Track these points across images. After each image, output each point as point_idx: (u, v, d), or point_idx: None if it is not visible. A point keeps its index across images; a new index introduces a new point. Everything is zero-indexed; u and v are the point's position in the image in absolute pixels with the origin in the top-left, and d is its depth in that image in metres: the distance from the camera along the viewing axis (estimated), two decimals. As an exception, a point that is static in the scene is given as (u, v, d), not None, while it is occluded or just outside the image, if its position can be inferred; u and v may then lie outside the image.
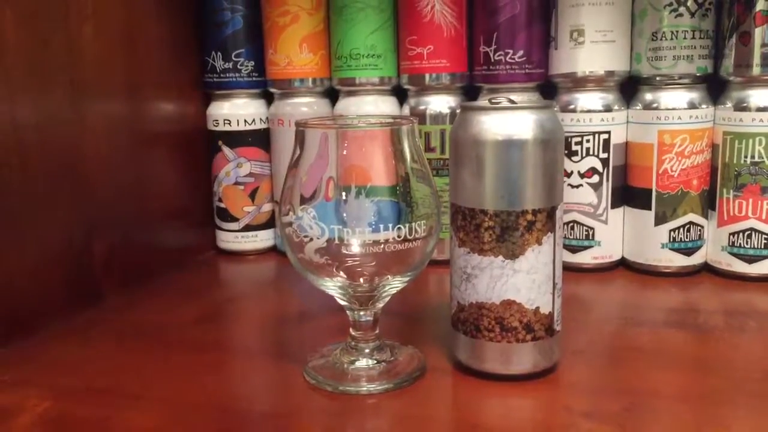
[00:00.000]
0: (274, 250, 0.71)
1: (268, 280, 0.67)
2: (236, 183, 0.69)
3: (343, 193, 0.39)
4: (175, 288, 0.61)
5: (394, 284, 0.40)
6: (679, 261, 0.58)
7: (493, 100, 0.40)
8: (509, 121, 0.37)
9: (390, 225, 0.38)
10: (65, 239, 0.52)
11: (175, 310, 0.55)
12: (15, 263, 0.47)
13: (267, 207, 0.70)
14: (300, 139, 0.40)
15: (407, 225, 0.38)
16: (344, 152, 0.39)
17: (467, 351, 0.40)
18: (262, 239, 0.70)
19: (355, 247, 0.38)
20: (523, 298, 0.38)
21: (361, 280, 0.40)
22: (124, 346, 0.48)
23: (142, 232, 0.61)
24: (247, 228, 0.69)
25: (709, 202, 0.58)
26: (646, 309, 0.53)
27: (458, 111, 0.40)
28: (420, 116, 0.62)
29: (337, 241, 0.38)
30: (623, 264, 0.62)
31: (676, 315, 0.51)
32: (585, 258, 0.60)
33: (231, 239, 0.70)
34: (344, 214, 0.38)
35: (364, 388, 0.40)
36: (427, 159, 0.44)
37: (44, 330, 0.49)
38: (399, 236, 0.38)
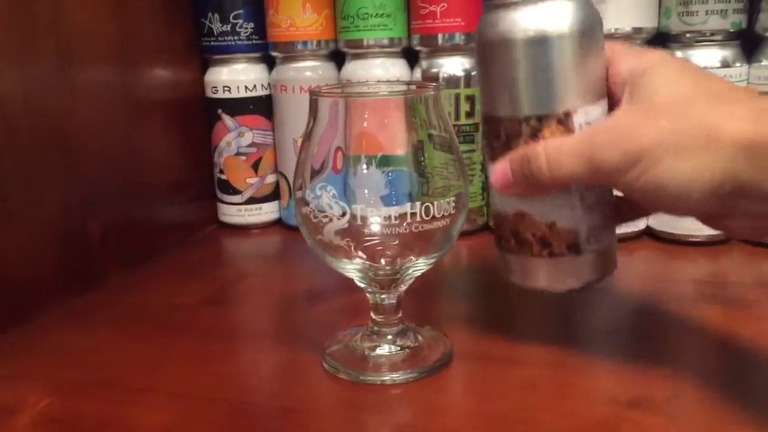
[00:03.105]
0: (278, 223, 0.68)
1: (274, 255, 0.64)
2: (238, 153, 0.65)
3: (362, 164, 0.35)
4: (177, 266, 0.58)
5: (419, 266, 0.37)
6: (709, 230, 0.55)
7: None
8: (541, 13, 0.33)
9: (414, 200, 0.35)
10: (59, 217, 0.49)
11: (179, 291, 0.52)
12: (5, 244, 0.44)
13: (271, 178, 0.66)
14: (313, 109, 0.36)
15: (434, 203, 0.35)
16: (364, 123, 0.36)
17: (498, 259, 0.38)
18: (267, 212, 0.67)
19: (376, 226, 0.35)
20: (535, 211, 0.35)
21: (383, 261, 0.37)
22: (127, 332, 0.45)
23: (140, 208, 0.58)
24: (251, 200, 0.66)
25: (741, 168, 0.55)
26: (678, 282, 0.50)
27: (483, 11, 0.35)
28: (433, 79, 0.58)
29: (359, 222, 0.34)
30: (647, 233, 0.59)
31: (709, 288, 0.48)
32: (609, 228, 0.57)
33: (234, 212, 0.67)
34: (354, 185, 0.35)
35: (388, 378, 0.37)
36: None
37: (40, 316, 0.46)
38: (426, 214, 0.34)
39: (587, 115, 0.33)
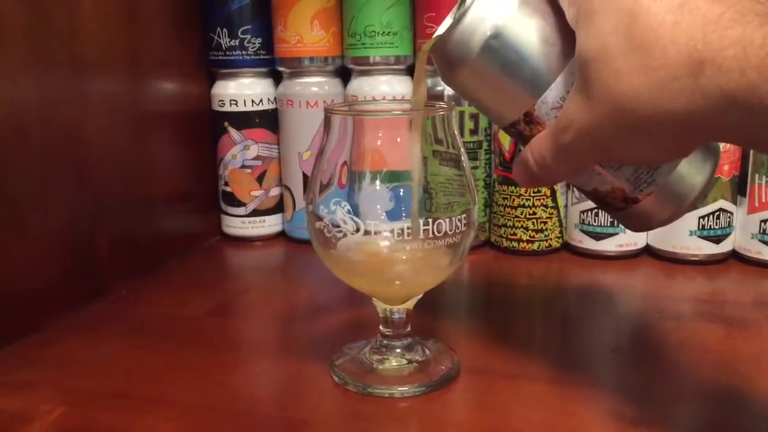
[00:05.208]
0: (282, 236, 0.68)
1: (278, 268, 0.64)
2: (243, 166, 0.66)
3: (367, 179, 0.36)
4: (182, 278, 0.58)
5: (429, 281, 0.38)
6: (708, 249, 0.56)
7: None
8: (444, 53, 0.32)
9: (426, 218, 0.36)
10: (68, 227, 0.49)
11: (185, 302, 0.52)
12: (17, 253, 0.44)
13: (275, 191, 0.67)
14: (327, 126, 0.37)
15: (446, 219, 0.35)
16: (371, 139, 0.37)
17: None
18: (270, 224, 0.67)
19: (388, 241, 0.35)
20: (578, 184, 0.35)
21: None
22: (135, 342, 0.45)
23: (146, 219, 0.58)
24: (255, 213, 0.67)
25: (739, 188, 0.56)
26: (678, 300, 0.51)
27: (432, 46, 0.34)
28: (438, 97, 0.59)
29: (372, 237, 0.35)
30: (647, 251, 0.60)
31: (709, 307, 0.49)
32: (609, 246, 0.58)
33: (237, 224, 0.67)
34: (359, 200, 0.36)
35: (396, 391, 0.37)
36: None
37: (49, 326, 0.46)
38: (438, 230, 0.35)
39: (547, 102, 0.31)
